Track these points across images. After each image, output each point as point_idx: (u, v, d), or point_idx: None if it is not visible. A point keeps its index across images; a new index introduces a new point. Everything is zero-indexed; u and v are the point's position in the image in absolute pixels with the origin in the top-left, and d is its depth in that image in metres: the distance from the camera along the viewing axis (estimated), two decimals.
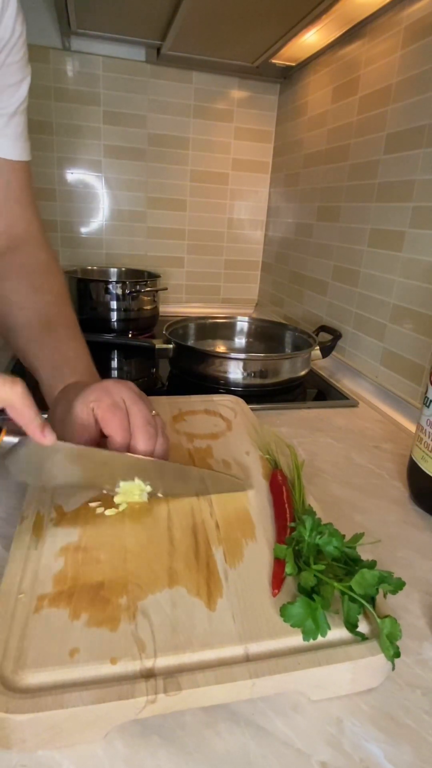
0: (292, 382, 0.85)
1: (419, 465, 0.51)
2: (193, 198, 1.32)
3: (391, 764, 0.28)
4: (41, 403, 0.46)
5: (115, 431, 0.42)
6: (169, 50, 1.08)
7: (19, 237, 0.59)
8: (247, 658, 0.30)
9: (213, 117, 1.25)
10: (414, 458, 0.53)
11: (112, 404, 0.42)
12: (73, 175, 1.23)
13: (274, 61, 1.09)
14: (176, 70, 1.19)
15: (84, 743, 0.28)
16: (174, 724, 0.29)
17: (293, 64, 1.12)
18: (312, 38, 0.96)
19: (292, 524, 0.40)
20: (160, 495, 0.45)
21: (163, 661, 0.29)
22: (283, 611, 0.32)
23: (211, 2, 0.82)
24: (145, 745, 0.28)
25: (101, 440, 0.43)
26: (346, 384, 0.90)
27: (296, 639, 0.31)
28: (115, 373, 0.92)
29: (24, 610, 0.32)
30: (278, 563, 0.37)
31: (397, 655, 0.31)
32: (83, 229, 1.28)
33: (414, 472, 0.53)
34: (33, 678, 0.28)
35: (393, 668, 0.32)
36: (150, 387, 0.86)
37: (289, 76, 1.20)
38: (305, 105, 1.13)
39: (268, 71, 1.17)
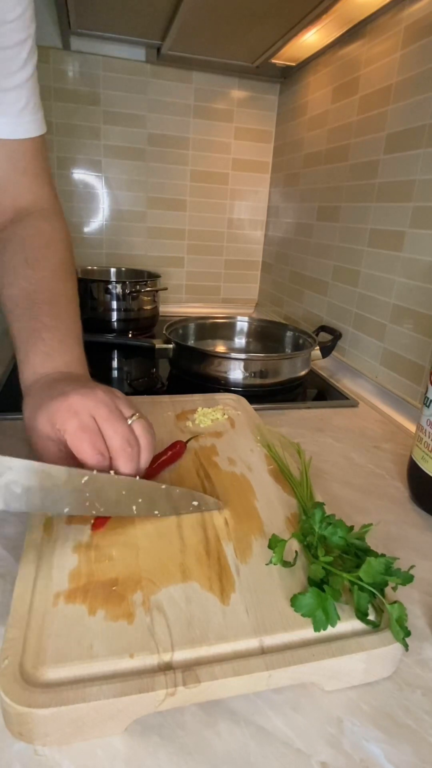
0: (292, 382, 0.85)
1: (419, 465, 0.51)
2: (193, 198, 1.32)
3: (391, 764, 0.28)
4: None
5: (88, 457, 0.38)
6: (169, 50, 1.08)
7: (25, 209, 0.54)
8: (263, 651, 0.31)
9: (213, 117, 1.25)
10: (414, 458, 0.53)
11: (80, 427, 0.38)
12: (73, 175, 1.23)
13: (274, 61, 1.09)
14: (176, 70, 1.19)
15: (105, 736, 0.28)
16: (174, 724, 0.29)
17: (293, 64, 1.11)
18: (312, 38, 0.96)
19: (303, 518, 0.41)
20: (156, 513, 0.42)
21: (181, 655, 0.30)
22: (294, 601, 0.33)
23: (211, 2, 0.82)
24: (145, 745, 0.28)
25: (77, 463, 0.39)
26: (346, 384, 0.89)
27: (309, 631, 0.32)
28: (115, 374, 0.92)
29: (41, 607, 0.32)
30: None
31: (408, 634, 0.31)
32: (83, 229, 1.28)
33: (414, 472, 0.53)
34: (53, 673, 0.28)
35: (407, 649, 0.32)
36: (150, 387, 0.86)
37: (289, 76, 1.20)
38: (305, 105, 1.13)
39: (268, 71, 1.17)
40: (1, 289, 0.50)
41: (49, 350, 0.45)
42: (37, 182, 0.56)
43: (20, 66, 0.50)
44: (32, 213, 0.55)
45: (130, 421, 0.41)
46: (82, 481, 0.37)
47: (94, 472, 0.38)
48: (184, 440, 0.55)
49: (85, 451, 0.38)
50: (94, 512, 0.38)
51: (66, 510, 0.36)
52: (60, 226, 0.56)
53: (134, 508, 0.40)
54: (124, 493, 0.39)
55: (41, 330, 0.46)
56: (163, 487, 0.41)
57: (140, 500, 0.40)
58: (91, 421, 0.39)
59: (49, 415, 0.39)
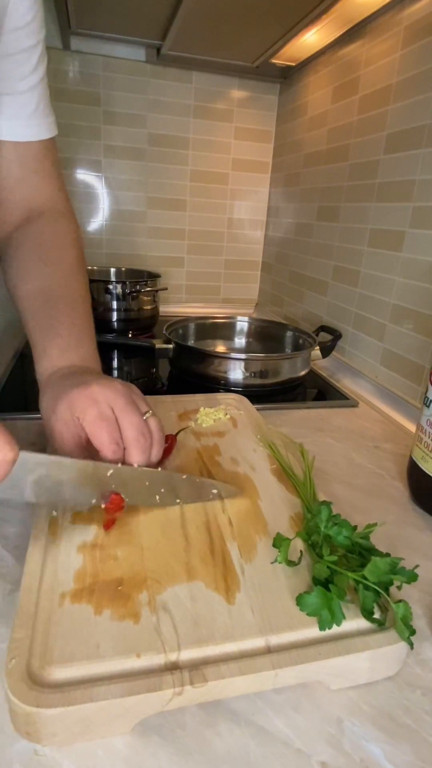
0: (292, 382, 0.85)
1: (419, 465, 0.51)
2: (193, 198, 1.32)
3: (391, 764, 0.28)
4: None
5: (104, 446, 0.39)
6: (169, 50, 1.08)
7: (37, 209, 0.56)
8: (269, 650, 0.31)
9: (213, 117, 1.25)
10: (414, 458, 0.53)
11: (99, 415, 0.39)
12: (73, 175, 1.23)
13: (274, 61, 1.09)
14: (176, 70, 1.19)
15: (112, 736, 0.28)
16: (174, 724, 0.29)
17: (293, 64, 1.11)
18: (312, 38, 0.96)
19: (308, 516, 0.41)
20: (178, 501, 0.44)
21: (187, 654, 0.30)
22: (300, 600, 0.33)
23: (211, 2, 0.82)
24: (145, 745, 0.28)
25: (93, 450, 0.41)
26: (346, 384, 0.89)
27: (315, 630, 0.32)
28: (115, 373, 0.92)
29: (47, 607, 0.32)
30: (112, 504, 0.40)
31: (413, 633, 0.31)
32: (83, 229, 1.28)
33: (414, 472, 0.53)
34: (60, 673, 0.28)
35: (412, 647, 0.32)
36: (150, 387, 0.86)
37: (289, 76, 1.20)
38: (305, 105, 1.13)
39: (268, 71, 1.17)
40: (16, 285, 0.52)
41: (67, 345, 0.47)
42: (49, 183, 0.57)
43: (31, 70, 0.51)
44: (45, 213, 0.56)
45: (144, 417, 0.42)
46: (108, 474, 0.39)
47: (119, 465, 0.40)
48: (185, 440, 0.55)
49: (102, 439, 0.39)
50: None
51: (93, 501, 0.39)
52: (73, 226, 0.58)
53: (157, 497, 0.42)
54: (147, 483, 0.41)
55: (58, 326, 0.48)
56: (185, 477, 0.44)
57: (162, 490, 0.42)
58: (110, 411, 0.40)
59: (69, 402, 0.40)
